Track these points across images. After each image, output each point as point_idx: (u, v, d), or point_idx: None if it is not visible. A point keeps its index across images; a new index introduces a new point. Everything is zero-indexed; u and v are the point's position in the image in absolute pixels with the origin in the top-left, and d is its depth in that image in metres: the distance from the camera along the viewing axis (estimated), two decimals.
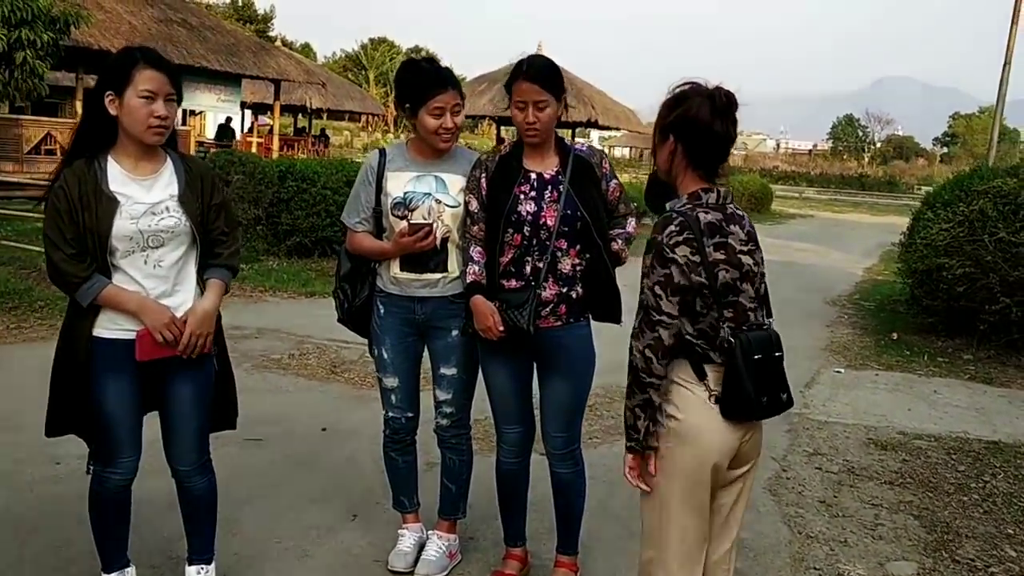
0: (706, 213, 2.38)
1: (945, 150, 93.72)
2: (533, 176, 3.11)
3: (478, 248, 3.17)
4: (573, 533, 3.40)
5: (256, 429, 4.97)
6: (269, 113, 26.46)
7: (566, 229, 3.05)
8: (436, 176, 3.28)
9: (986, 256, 7.98)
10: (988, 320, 8.03)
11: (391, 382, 3.42)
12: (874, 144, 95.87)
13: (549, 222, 3.05)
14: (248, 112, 29.57)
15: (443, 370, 3.37)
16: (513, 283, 3.10)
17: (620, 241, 3.21)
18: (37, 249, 9.79)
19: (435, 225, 3.18)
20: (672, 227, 2.34)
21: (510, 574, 3.43)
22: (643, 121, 28.66)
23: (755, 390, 2.36)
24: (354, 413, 5.43)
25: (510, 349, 3.16)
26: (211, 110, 22.94)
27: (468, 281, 3.17)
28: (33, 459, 4.32)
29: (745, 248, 2.44)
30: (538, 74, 3.00)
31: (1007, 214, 8.02)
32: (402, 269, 3.28)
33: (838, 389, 6.75)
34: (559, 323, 3.12)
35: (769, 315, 2.56)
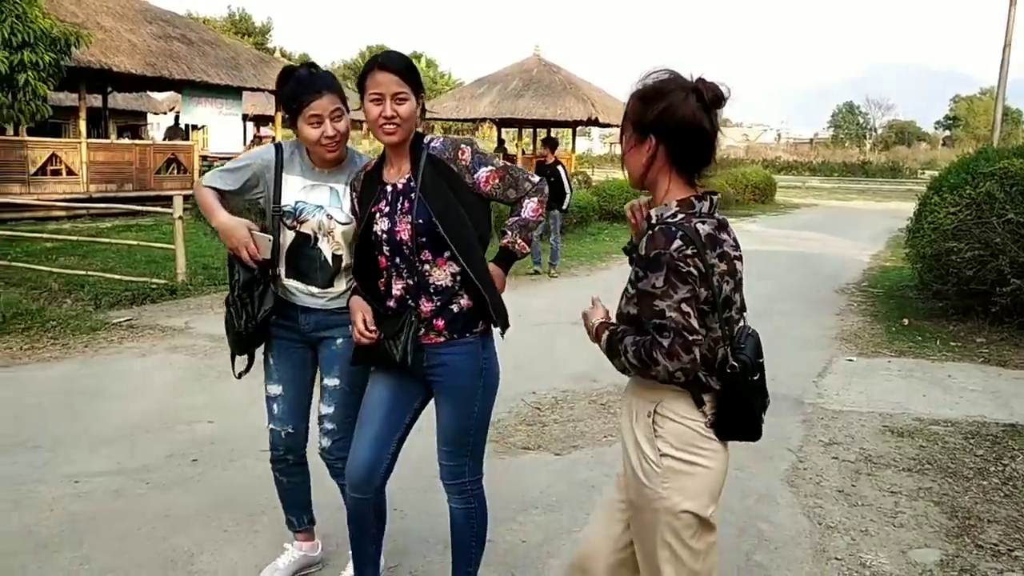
0: (703, 223, 2.14)
1: (947, 133, 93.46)
2: (389, 189, 2.80)
3: None
4: None
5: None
6: (271, 125, 26.51)
7: (424, 240, 2.71)
8: (331, 188, 3.03)
9: (995, 238, 7.97)
10: (1000, 302, 8.02)
11: (274, 389, 3.20)
12: (875, 130, 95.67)
13: (404, 236, 2.72)
14: (250, 124, 29.62)
15: (326, 381, 3.12)
16: (391, 304, 2.81)
17: (511, 232, 2.81)
18: (47, 269, 9.86)
19: (269, 247, 2.95)
20: (679, 241, 2.07)
21: None
22: None
23: (758, 411, 2.21)
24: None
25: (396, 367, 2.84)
26: (213, 123, 22.89)
27: (352, 287, 2.95)
28: (52, 478, 4.33)
29: (736, 254, 2.23)
30: (396, 64, 2.70)
31: (1015, 195, 8.00)
32: (288, 276, 3.08)
33: (851, 378, 6.71)
34: (441, 339, 2.78)
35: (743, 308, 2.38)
